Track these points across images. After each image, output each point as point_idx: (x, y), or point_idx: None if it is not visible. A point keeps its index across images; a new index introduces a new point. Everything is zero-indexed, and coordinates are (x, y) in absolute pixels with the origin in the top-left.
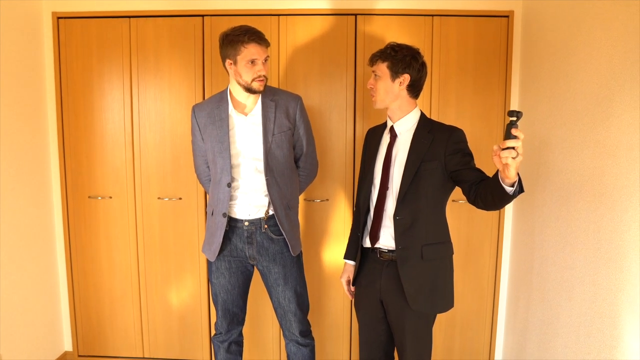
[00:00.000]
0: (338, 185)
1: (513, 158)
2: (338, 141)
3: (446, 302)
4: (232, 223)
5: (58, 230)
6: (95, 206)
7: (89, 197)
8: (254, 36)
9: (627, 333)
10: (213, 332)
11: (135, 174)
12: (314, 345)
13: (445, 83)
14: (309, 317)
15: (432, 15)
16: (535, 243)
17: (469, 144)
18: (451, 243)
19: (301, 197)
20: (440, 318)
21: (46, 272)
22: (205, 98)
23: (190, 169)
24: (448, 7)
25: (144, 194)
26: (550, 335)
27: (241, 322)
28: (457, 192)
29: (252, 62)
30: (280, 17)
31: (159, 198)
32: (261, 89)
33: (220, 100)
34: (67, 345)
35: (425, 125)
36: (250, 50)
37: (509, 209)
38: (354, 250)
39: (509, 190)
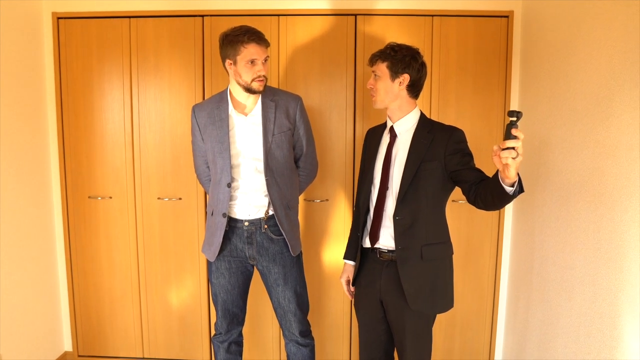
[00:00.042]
0: (338, 186)
1: (513, 158)
2: (338, 141)
3: (446, 302)
4: (232, 223)
5: (58, 230)
6: (95, 206)
7: (89, 197)
8: (254, 36)
9: (627, 333)
10: (213, 332)
11: (135, 174)
12: (313, 346)
13: (445, 83)
14: (308, 317)
15: (432, 16)
16: (535, 243)
17: (468, 144)
18: (451, 243)
19: (301, 197)
20: (440, 318)
21: (46, 272)
22: (205, 98)
23: (190, 169)
24: (448, 7)
25: (144, 194)
26: (550, 335)
27: (241, 322)
28: (457, 192)
29: (252, 62)
30: (280, 17)
31: (159, 198)
32: (261, 89)
33: (220, 100)
34: (67, 345)
35: (425, 125)
36: (250, 51)
37: (509, 209)
38: (354, 250)
39: (509, 190)
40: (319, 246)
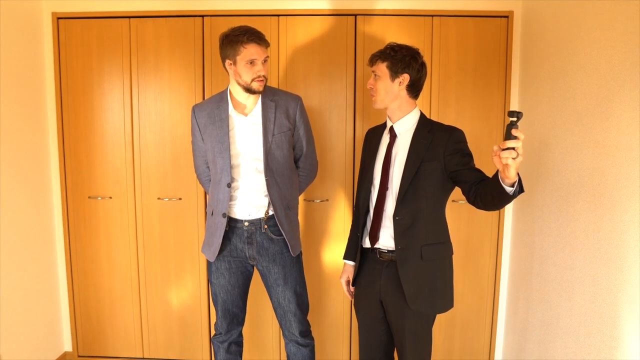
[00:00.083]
0: (338, 186)
1: (513, 158)
2: (338, 141)
3: (446, 303)
4: (232, 223)
5: (58, 230)
6: (95, 206)
7: (89, 197)
8: (253, 36)
9: (627, 333)
10: (213, 332)
11: (135, 174)
12: (313, 346)
13: (445, 83)
14: (308, 317)
15: (432, 16)
16: (535, 243)
17: (468, 144)
18: (451, 243)
19: (301, 198)
20: (440, 318)
21: (46, 272)
22: (205, 98)
23: (190, 169)
24: (448, 8)
25: (144, 194)
26: (550, 335)
27: (241, 322)
28: (457, 192)
29: (252, 62)
30: (280, 17)
31: (158, 198)
32: (261, 89)
33: (220, 100)
34: (67, 346)
35: (425, 126)
36: (250, 51)
37: (509, 209)
38: (354, 250)
39: (509, 190)
40: (319, 246)
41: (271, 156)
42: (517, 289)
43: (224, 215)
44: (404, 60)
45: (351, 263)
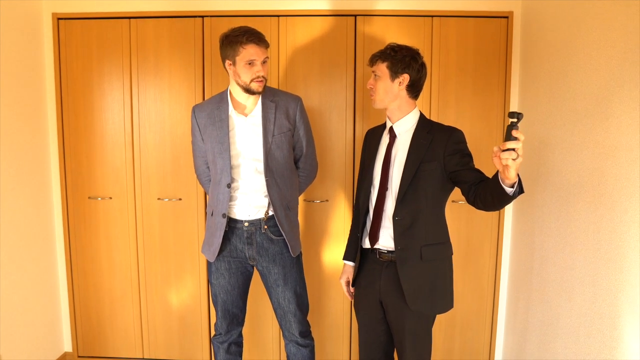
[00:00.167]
0: (338, 186)
1: (513, 159)
2: (338, 142)
3: (445, 303)
4: (232, 224)
5: (58, 230)
6: (95, 207)
7: (89, 197)
8: (253, 37)
9: (627, 334)
10: (213, 332)
11: (135, 174)
12: (313, 346)
13: (444, 84)
14: (308, 318)
15: (432, 16)
16: (535, 243)
17: (468, 145)
18: (450, 243)
19: (301, 198)
20: (440, 318)
21: (46, 273)
22: (205, 99)
23: (190, 169)
24: (447, 8)
25: (144, 195)
26: (550, 335)
27: (241, 322)
28: (456, 192)
29: (251, 63)
30: (280, 17)
31: (158, 199)
32: (260, 89)
33: (220, 101)
34: (67, 346)
35: (425, 126)
36: (249, 51)
37: (509, 209)
38: (354, 251)
39: (509, 191)
40: (319, 247)
41: (271, 157)
42: (517, 289)
43: (223, 215)
44: (404, 61)
45: (351, 264)
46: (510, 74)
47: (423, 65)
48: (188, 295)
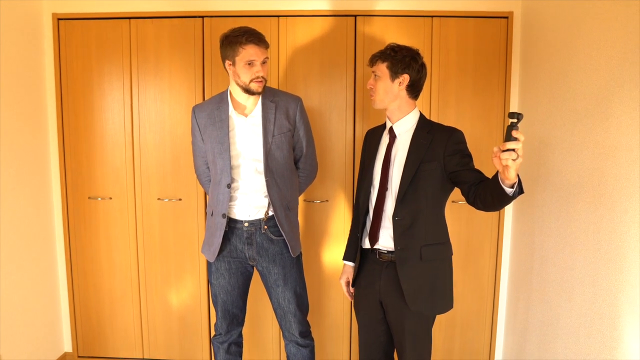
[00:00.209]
0: (338, 186)
1: (513, 160)
2: (338, 142)
3: (445, 303)
4: (232, 224)
5: (58, 230)
6: (95, 207)
7: (89, 197)
8: (252, 37)
9: (627, 334)
10: (213, 332)
11: (135, 174)
12: (313, 346)
13: (445, 84)
14: (308, 318)
15: (432, 17)
16: (535, 244)
17: (468, 145)
18: (450, 244)
19: (301, 198)
20: (440, 318)
21: (46, 273)
22: (205, 99)
23: (190, 169)
24: (447, 8)
25: (144, 195)
26: (550, 336)
27: (241, 322)
28: (457, 192)
29: (250, 63)
30: (280, 18)
31: (158, 199)
32: (259, 90)
33: (220, 101)
34: (67, 346)
35: (425, 126)
36: (248, 52)
37: (509, 209)
38: (353, 251)
39: (509, 191)
40: (319, 247)
41: (271, 157)
42: (517, 289)
43: (223, 215)
44: (404, 61)
45: (351, 264)
46: (510, 74)
47: (423, 65)
48: (188, 295)
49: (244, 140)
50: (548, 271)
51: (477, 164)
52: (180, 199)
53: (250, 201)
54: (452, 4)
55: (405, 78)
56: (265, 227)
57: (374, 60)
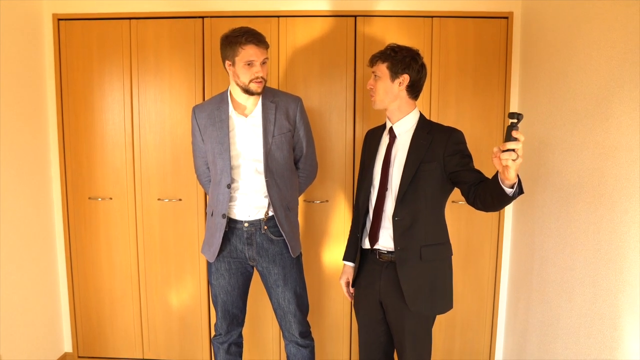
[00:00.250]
0: (338, 186)
1: (513, 160)
2: (338, 142)
3: (445, 303)
4: (232, 224)
5: (58, 231)
6: (95, 207)
7: (89, 198)
8: (252, 37)
9: (627, 334)
10: (213, 333)
11: (136, 175)
12: (313, 346)
13: (445, 84)
14: (308, 318)
15: (432, 17)
16: (535, 244)
17: (468, 145)
18: (450, 244)
19: (301, 198)
20: (440, 319)
21: (46, 273)
22: (205, 99)
23: (190, 170)
24: (447, 9)
25: (144, 195)
26: (550, 336)
27: (241, 323)
28: (456, 193)
29: (249, 63)
30: (280, 18)
31: (159, 199)
32: (259, 90)
33: (220, 101)
34: (67, 346)
35: (425, 126)
36: (248, 52)
37: (509, 210)
38: (353, 251)
39: (509, 191)
40: (319, 247)
41: (271, 157)
42: (517, 289)
43: (223, 216)
44: (404, 61)
45: (351, 264)
46: (510, 75)
47: (423, 65)
48: (188, 295)
49: (244, 141)
50: (548, 271)
51: (477, 164)
52: (180, 200)
53: (250, 201)
54: (452, 4)
55: (405, 78)
56: (265, 227)
57: (374, 60)
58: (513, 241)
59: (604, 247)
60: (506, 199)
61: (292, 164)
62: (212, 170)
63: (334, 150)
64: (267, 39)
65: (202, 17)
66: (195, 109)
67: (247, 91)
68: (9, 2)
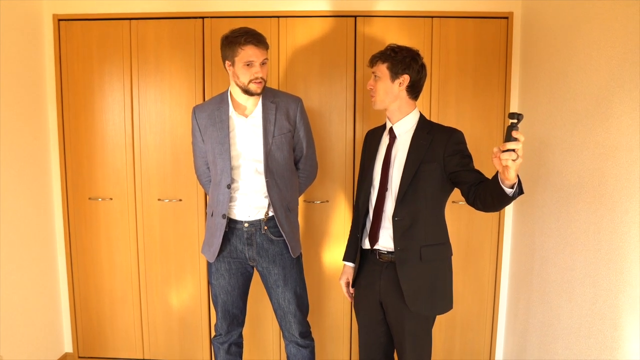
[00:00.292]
0: (338, 187)
1: (513, 160)
2: (338, 142)
3: (445, 304)
4: (232, 224)
5: (59, 231)
6: (95, 207)
7: (90, 198)
8: (251, 38)
9: (627, 334)
10: (213, 333)
11: (136, 175)
12: (313, 347)
13: (445, 84)
14: (308, 318)
15: (432, 17)
16: (536, 244)
17: (468, 146)
18: (450, 244)
19: (301, 199)
20: (441, 319)
21: (47, 273)
22: (206, 99)
23: (191, 170)
24: (447, 9)
25: (144, 196)
26: (550, 336)
27: (241, 323)
28: (457, 193)
29: (249, 64)
30: (280, 18)
31: (159, 199)
32: (258, 91)
33: (220, 101)
34: (68, 347)
35: (425, 127)
36: (247, 52)
37: (509, 210)
38: (353, 252)
39: (509, 191)
40: (319, 247)
41: (271, 158)
42: (517, 290)
43: (223, 216)
44: (404, 62)
45: (351, 264)
46: (510, 75)
47: (423, 66)
48: (188, 296)
49: (244, 141)
50: (548, 271)
51: (477, 165)
52: (180, 200)
53: (251, 202)
54: (452, 5)
55: (405, 79)
56: (266, 227)
57: (374, 60)
58: (513, 241)
59: (604, 247)
60: (506, 199)
61: (292, 165)
62: (212, 170)
63: (334, 151)
64: (267, 40)
65: (202, 18)
66: (195, 109)
67: (247, 92)
68: (9, 2)
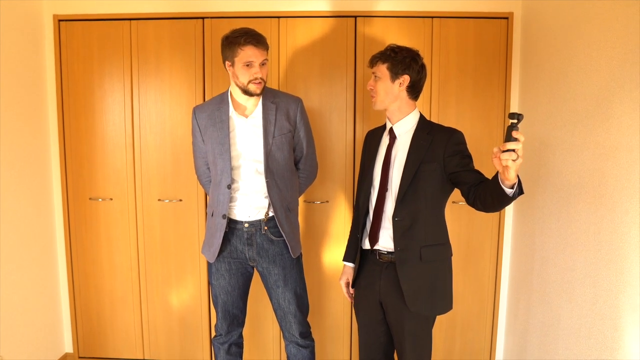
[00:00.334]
0: (338, 187)
1: (513, 160)
2: (338, 143)
3: (445, 304)
4: (232, 224)
5: (59, 231)
6: (96, 208)
7: (90, 198)
8: (251, 38)
9: (627, 335)
10: (213, 333)
11: (136, 175)
12: (314, 347)
13: (445, 85)
14: (309, 319)
15: (432, 17)
16: (536, 244)
17: (468, 146)
18: (450, 245)
19: (301, 199)
20: (441, 319)
21: (47, 274)
22: (206, 100)
23: (191, 170)
24: (447, 9)
25: (145, 196)
26: (550, 336)
27: (241, 323)
28: (457, 193)
29: (249, 64)
30: (280, 19)
31: (159, 200)
32: (258, 91)
33: (221, 102)
34: (68, 347)
35: (425, 127)
36: (247, 53)
37: (509, 210)
38: (353, 252)
39: (509, 192)
40: (319, 247)
41: (271, 158)
42: (517, 290)
43: (224, 216)
44: (404, 62)
45: (351, 265)
46: (510, 75)
47: (423, 66)
48: (188, 296)
49: (245, 141)
50: (549, 272)
51: (477, 165)
52: (180, 200)
53: (251, 202)
54: (452, 5)
55: (405, 79)
56: (266, 227)
57: (374, 61)
58: (513, 241)
59: (604, 247)
60: (506, 200)
61: (293, 165)
62: (213, 170)
63: (334, 151)
64: (268, 40)
65: (203, 18)
66: (195, 110)
67: (246, 92)
68: (9, 3)
